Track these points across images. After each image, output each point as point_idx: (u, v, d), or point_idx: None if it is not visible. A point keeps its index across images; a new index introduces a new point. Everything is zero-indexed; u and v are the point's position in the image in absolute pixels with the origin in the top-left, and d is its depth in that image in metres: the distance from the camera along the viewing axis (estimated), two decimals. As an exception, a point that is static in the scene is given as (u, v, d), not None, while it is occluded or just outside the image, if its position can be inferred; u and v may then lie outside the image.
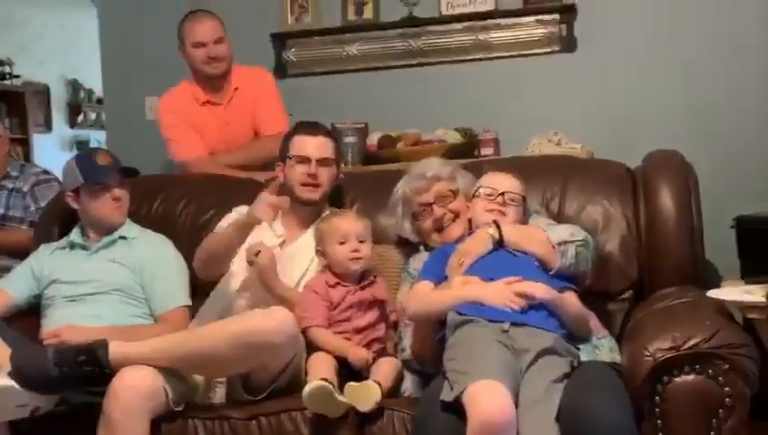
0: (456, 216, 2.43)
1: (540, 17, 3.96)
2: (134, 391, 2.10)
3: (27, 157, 6.70)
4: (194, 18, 3.30)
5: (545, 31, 3.98)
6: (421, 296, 2.19)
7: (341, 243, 2.38)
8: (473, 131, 3.94)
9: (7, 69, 6.56)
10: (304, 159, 2.57)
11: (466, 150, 3.86)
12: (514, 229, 2.24)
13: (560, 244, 2.17)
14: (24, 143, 6.71)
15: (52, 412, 2.20)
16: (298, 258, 2.53)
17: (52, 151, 7.21)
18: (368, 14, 4.16)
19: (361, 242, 2.39)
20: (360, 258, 2.37)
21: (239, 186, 2.97)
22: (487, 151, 3.91)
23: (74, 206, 2.74)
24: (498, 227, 2.21)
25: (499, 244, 2.19)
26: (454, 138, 3.92)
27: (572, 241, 2.19)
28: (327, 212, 2.62)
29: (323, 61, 4.20)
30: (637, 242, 2.53)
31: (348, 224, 2.41)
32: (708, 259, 2.91)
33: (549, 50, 3.97)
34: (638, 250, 2.53)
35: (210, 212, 2.90)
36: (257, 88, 3.29)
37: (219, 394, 2.34)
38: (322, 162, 2.58)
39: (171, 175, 3.16)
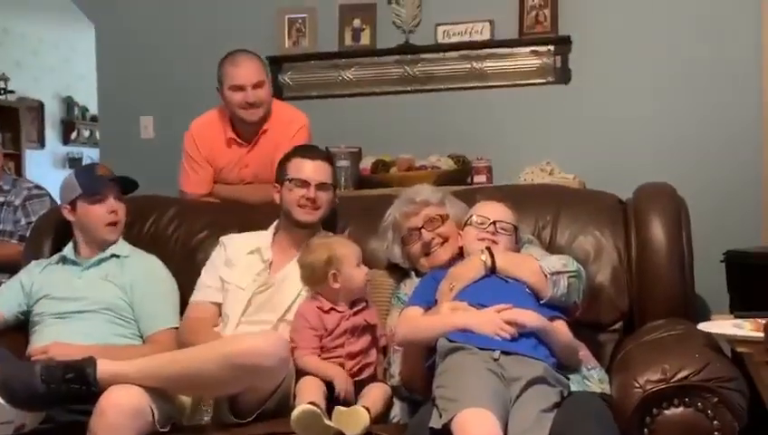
0: (445, 240, 2.43)
1: (535, 48, 4.02)
2: (120, 409, 2.08)
3: (19, 172, 6.69)
4: (233, 60, 3.13)
5: (540, 62, 4.03)
6: (411, 322, 2.18)
7: (358, 265, 2.40)
8: (466, 159, 3.97)
9: (2, 84, 6.55)
10: (303, 183, 2.57)
11: (459, 177, 3.89)
12: (507, 256, 2.24)
13: (552, 274, 2.17)
14: (17, 159, 6.70)
15: (38, 430, 2.18)
16: (290, 281, 2.52)
17: (44, 168, 7.20)
18: (365, 39, 4.21)
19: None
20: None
21: (230, 209, 2.98)
22: (480, 179, 3.94)
23: (70, 218, 2.72)
24: (491, 253, 2.21)
25: (491, 270, 2.19)
26: (447, 164, 3.94)
27: (565, 272, 2.19)
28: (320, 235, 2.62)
29: (319, 85, 4.24)
30: (627, 273, 2.54)
31: (354, 247, 2.46)
32: (698, 292, 2.92)
33: (543, 80, 4.03)
34: (629, 281, 2.53)
35: (202, 234, 2.90)
36: (285, 134, 3.10)
37: (206, 416, 2.32)
38: (321, 187, 2.59)
39: (164, 196, 3.14)
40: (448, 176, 3.85)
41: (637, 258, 2.53)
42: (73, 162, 7.60)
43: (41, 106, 7.29)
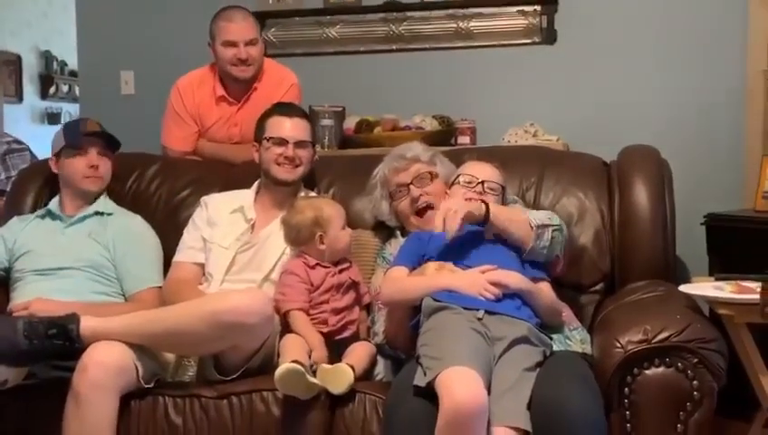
0: (432, 206, 2.42)
1: (521, 8, 3.99)
2: (104, 366, 2.07)
3: (-5, 127, 6.59)
4: (227, 15, 3.09)
5: (526, 22, 4.00)
6: (396, 282, 2.19)
7: (343, 227, 2.41)
8: (450, 119, 3.95)
9: (-23, 37, 6.43)
10: (281, 141, 2.56)
11: (443, 138, 3.87)
12: (499, 208, 2.24)
13: (538, 227, 2.19)
14: (-6, 113, 6.59)
15: (21, 386, 2.17)
16: (273, 240, 2.51)
17: (22, 123, 7.07)
18: (350, -3, 4.14)
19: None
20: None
21: (213, 167, 2.97)
22: (464, 140, 3.93)
23: (55, 170, 2.71)
24: (485, 202, 2.20)
25: (485, 218, 2.16)
26: (431, 125, 3.92)
27: (549, 225, 2.21)
28: (302, 194, 2.61)
29: (304, 42, 4.19)
30: (610, 235, 2.56)
31: (339, 209, 2.45)
32: (678, 255, 2.95)
33: (529, 41, 4.00)
34: (611, 243, 2.55)
35: (185, 192, 2.88)
36: (275, 93, 3.06)
37: (190, 373, 2.32)
38: (299, 145, 2.57)
39: (146, 154, 3.10)
40: (432, 137, 3.81)
41: (619, 220, 2.55)
42: (52, 117, 7.48)
43: (18, 60, 7.14)
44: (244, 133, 3.06)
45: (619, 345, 1.96)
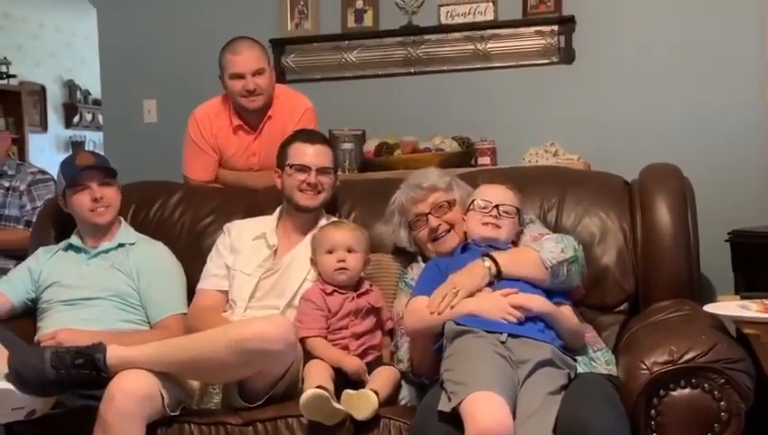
0: (452, 227, 2.43)
1: (539, 28, 4.00)
2: (130, 394, 2.09)
3: (22, 157, 6.67)
4: (233, 48, 3.09)
5: (544, 42, 4.00)
6: (417, 313, 2.18)
7: (329, 252, 2.40)
8: (470, 140, 3.96)
9: (3, 69, 6.53)
10: (303, 168, 2.58)
11: (463, 159, 3.88)
12: (508, 257, 2.22)
13: (552, 266, 2.17)
14: (20, 143, 6.68)
15: (49, 415, 2.19)
16: (296, 266, 2.53)
17: (47, 152, 7.19)
18: (368, 21, 4.18)
19: (350, 252, 2.40)
20: (344, 269, 2.38)
21: (235, 194, 2.99)
22: (484, 161, 3.94)
23: (66, 210, 2.75)
24: (492, 259, 2.19)
25: (496, 276, 2.17)
26: (451, 146, 3.93)
27: (564, 260, 2.19)
28: (324, 220, 2.63)
29: (322, 67, 4.23)
30: (633, 255, 2.55)
31: (337, 234, 2.43)
32: (703, 273, 2.93)
33: (547, 61, 4.00)
34: (635, 263, 2.54)
35: (208, 219, 2.90)
36: (290, 120, 3.08)
37: (215, 400, 2.33)
38: (321, 171, 2.59)
39: (169, 182, 3.14)
40: (452, 158, 3.84)
41: (642, 240, 2.54)
42: (76, 146, 7.58)
43: (43, 90, 7.26)
44: (262, 162, 3.09)
45: (644, 367, 1.95)
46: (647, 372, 1.94)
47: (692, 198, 2.56)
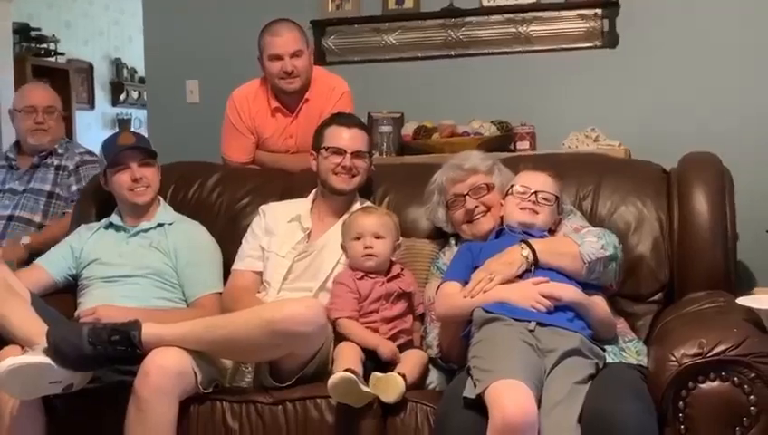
0: (488, 209, 2.43)
1: (582, 11, 3.96)
2: (164, 371, 2.14)
3: (70, 134, 6.79)
4: (272, 29, 3.12)
5: (587, 25, 3.96)
6: (448, 298, 2.19)
7: (357, 238, 2.41)
8: (509, 125, 3.94)
9: (52, 46, 6.64)
10: (339, 151, 2.59)
11: (502, 144, 3.86)
12: (546, 246, 2.20)
13: (590, 262, 2.15)
14: (67, 120, 6.77)
15: (85, 389, 2.24)
16: (329, 249, 2.55)
17: (94, 129, 7.31)
18: (408, 3, 4.18)
19: (378, 238, 2.40)
20: (371, 255, 2.39)
21: (272, 176, 3.02)
22: (523, 145, 3.91)
23: (106, 188, 2.80)
24: (530, 246, 2.17)
25: (534, 264, 2.16)
26: (490, 130, 3.92)
27: (602, 257, 2.17)
28: (357, 203, 2.64)
29: (362, 49, 4.23)
30: (669, 244, 2.52)
31: (365, 220, 2.44)
32: (744, 263, 2.89)
33: (590, 45, 3.97)
34: (670, 253, 2.51)
35: (244, 200, 2.93)
36: (327, 102, 3.11)
37: (247, 379, 2.37)
38: (357, 155, 2.60)
39: (208, 163, 3.19)
40: (490, 142, 3.82)
41: (678, 229, 2.50)
42: (122, 123, 7.70)
43: (90, 68, 7.38)
44: (299, 144, 3.11)
45: (673, 359, 1.93)
46: (675, 363, 1.92)
47: (731, 189, 2.52)
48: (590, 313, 2.10)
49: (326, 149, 2.61)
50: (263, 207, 2.73)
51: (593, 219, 2.55)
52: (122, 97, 7.76)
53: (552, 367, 1.93)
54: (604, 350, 2.08)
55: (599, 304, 2.16)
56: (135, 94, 7.85)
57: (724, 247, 2.46)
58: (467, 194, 2.43)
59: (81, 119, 7.12)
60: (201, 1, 4.48)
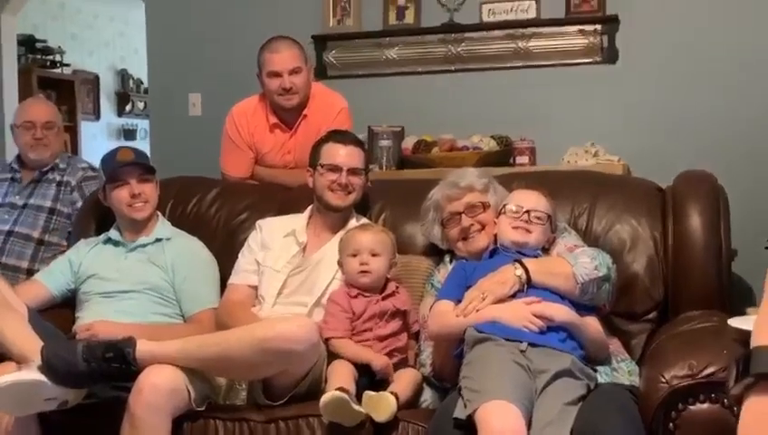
0: (483, 227, 2.44)
1: (582, 27, 3.97)
2: (157, 389, 2.14)
3: (75, 144, 6.85)
4: (272, 46, 3.15)
5: (586, 41, 3.98)
6: (441, 317, 2.19)
7: (353, 255, 2.43)
8: (509, 139, 3.95)
9: (58, 57, 6.69)
10: (335, 168, 2.61)
11: (501, 158, 3.88)
12: (540, 266, 2.21)
13: (583, 283, 2.16)
14: (73, 131, 6.86)
15: (81, 405, 2.25)
16: (325, 264, 2.56)
17: (99, 139, 7.36)
18: (409, 18, 4.20)
19: (374, 256, 2.41)
20: (367, 272, 2.40)
21: (270, 191, 3.03)
22: (522, 160, 3.92)
23: (105, 204, 2.82)
24: (524, 266, 2.18)
25: (527, 284, 2.17)
26: (489, 145, 3.93)
27: (595, 278, 2.17)
28: (354, 220, 2.66)
29: (363, 64, 4.26)
30: (664, 263, 2.52)
31: (361, 237, 2.45)
32: (744, 280, 2.88)
33: (590, 60, 3.98)
34: (665, 271, 2.51)
35: (242, 215, 2.95)
36: (325, 119, 3.12)
37: (241, 396, 2.38)
38: (352, 172, 2.61)
39: (207, 178, 3.21)
40: (490, 157, 3.84)
41: (673, 248, 2.51)
42: (128, 133, 7.76)
43: (96, 79, 7.43)
44: (298, 160, 3.13)
45: (663, 380, 1.93)
46: (665, 384, 1.92)
47: (725, 207, 2.52)
48: (582, 333, 2.11)
49: (322, 166, 2.63)
50: (259, 222, 2.75)
51: (588, 237, 2.56)
52: (128, 108, 7.81)
53: (542, 388, 1.93)
54: (596, 371, 2.09)
55: (591, 324, 2.17)
56: (141, 105, 7.90)
57: (718, 266, 2.46)
58: (463, 212, 2.43)
59: (87, 129, 7.17)
60: (204, 15, 4.52)
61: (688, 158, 2.97)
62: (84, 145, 6.89)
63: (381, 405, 2.11)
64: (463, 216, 2.43)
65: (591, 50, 3.96)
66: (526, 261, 2.20)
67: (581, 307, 2.19)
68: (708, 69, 3.74)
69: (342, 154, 2.63)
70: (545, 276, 2.18)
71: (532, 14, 4.02)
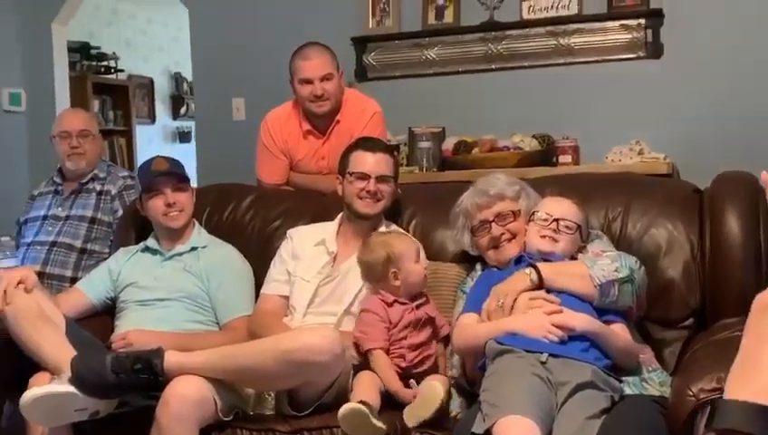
0: (513, 236, 2.39)
1: (625, 22, 3.88)
2: (184, 399, 2.17)
3: (130, 148, 7.00)
4: (303, 53, 3.16)
5: (630, 36, 3.89)
6: (465, 330, 2.18)
7: (416, 261, 2.42)
8: (551, 138, 3.89)
9: (113, 63, 6.83)
10: (363, 176, 2.60)
11: (543, 158, 3.82)
12: (553, 268, 2.18)
13: (601, 284, 2.11)
14: (128, 135, 7.01)
15: (114, 414, 2.29)
16: (354, 273, 2.55)
17: (155, 142, 7.50)
18: (448, 18, 4.16)
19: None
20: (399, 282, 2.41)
21: (304, 198, 3.05)
22: (565, 159, 3.86)
23: (143, 213, 2.87)
24: (536, 268, 2.15)
25: (538, 285, 2.14)
26: (531, 144, 3.88)
27: (615, 280, 2.12)
28: (383, 227, 2.65)
29: (403, 64, 4.24)
30: (700, 268, 2.44)
31: (411, 242, 2.46)
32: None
33: (633, 56, 3.89)
34: (702, 277, 2.43)
35: (276, 222, 2.97)
36: (357, 124, 3.13)
37: (270, 406, 2.39)
38: (381, 179, 2.60)
39: (243, 185, 3.24)
40: (531, 157, 3.79)
41: (710, 252, 2.42)
42: (183, 136, 7.87)
43: (151, 83, 7.56)
44: (331, 166, 3.12)
45: (690, 393, 1.86)
46: (693, 398, 1.85)
47: (765, 209, 2.43)
48: (608, 342, 2.06)
49: (350, 174, 2.63)
50: (290, 232, 2.76)
51: (622, 242, 2.50)
52: (182, 110, 7.93)
53: (563, 401, 1.90)
54: (621, 381, 2.04)
55: (617, 332, 2.11)
56: (194, 107, 7.99)
57: (757, 271, 2.36)
58: (493, 221, 2.40)
59: (143, 133, 7.31)
60: (245, 20, 4.56)
61: (734, 155, 2.88)
62: (140, 149, 7.02)
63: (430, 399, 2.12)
64: (493, 224, 2.39)
65: (635, 45, 3.86)
66: (540, 264, 2.17)
67: (608, 313, 2.14)
68: (755, 62, 3.62)
69: (371, 162, 2.62)
70: (558, 276, 2.14)
71: (573, 10, 3.94)
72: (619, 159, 3.74)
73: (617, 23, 3.88)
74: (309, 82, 3.10)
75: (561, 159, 3.85)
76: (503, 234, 2.38)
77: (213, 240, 2.90)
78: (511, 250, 2.38)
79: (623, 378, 2.07)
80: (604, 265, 2.15)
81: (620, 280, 2.13)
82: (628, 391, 2.05)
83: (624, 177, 2.94)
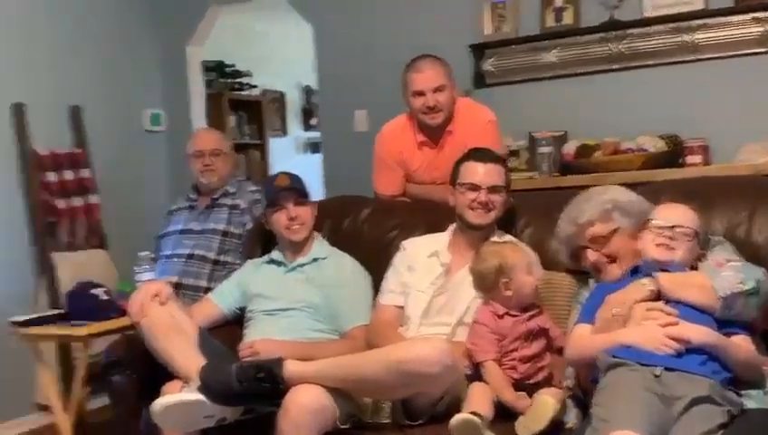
0: (613, 260, 2.33)
1: (756, 15, 3.70)
2: (302, 408, 2.26)
3: (264, 160, 7.26)
4: (415, 66, 3.21)
5: (762, 29, 3.70)
6: (578, 341, 2.16)
7: (528, 272, 2.42)
8: (678, 138, 3.76)
9: (247, 80, 7.11)
10: (474, 187, 2.62)
11: (669, 159, 3.71)
12: (673, 278, 2.11)
13: (725, 297, 2.03)
14: (262, 148, 7.28)
15: (240, 421, 2.41)
16: (467, 283, 2.57)
17: (287, 153, 7.73)
18: (567, 19, 4.10)
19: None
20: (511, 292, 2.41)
21: (418, 210, 3.10)
22: (694, 160, 3.73)
23: (267, 227, 3.00)
24: (654, 278, 2.10)
25: (657, 296, 2.09)
26: (656, 145, 3.77)
27: (740, 292, 2.03)
28: (495, 237, 2.65)
29: (521, 69, 4.20)
30: (834, 275, 2.30)
31: (525, 253, 2.46)
32: None
33: (765, 50, 3.69)
34: (835, 284, 2.29)
35: (392, 233, 3.04)
36: (470, 133, 3.12)
37: (386, 415, 2.44)
38: (492, 190, 2.61)
39: (361, 197, 3.32)
40: (656, 158, 3.69)
41: None
42: (314, 146, 8.08)
43: (282, 96, 7.82)
44: (445, 175, 3.13)
45: (816, 409, 1.79)
46: (819, 416, 1.78)
47: None
48: (727, 354, 1.98)
49: (461, 185, 2.65)
50: (404, 243, 2.81)
51: (748, 249, 2.39)
52: (313, 121, 8.15)
53: (678, 416, 1.85)
54: (740, 395, 1.96)
55: (739, 344, 2.03)
56: (320, 120, 8.19)
57: None
58: (587, 247, 2.36)
59: (276, 145, 7.56)
60: (365, 33, 4.65)
61: None
62: (273, 160, 7.27)
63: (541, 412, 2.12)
64: (588, 251, 2.36)
65: (766, 38, 3.67)
66: (657, 273, 2.11)
67: (730, 325, 2.06)
68: None
69: (481, 172, 2.63)
70: (676, 286, 2.08)
71: (699, 6, 3.80)
72: (751, 158, 3.57)
73: (747, 16, 3.70)
74: (421, 93, 3.15)
75: (690, 159, 3.72)
76: (599, 258, 2.34)
77: (333, 251, 3.00)
78: (613, 272, 2.33)
79: (745, 391, 1.99)
80: (728, 276, 2.07)
81: (746, 292, 2.04)
82: (750, 404, 1.97)
83: (748, 180, 2.82)
